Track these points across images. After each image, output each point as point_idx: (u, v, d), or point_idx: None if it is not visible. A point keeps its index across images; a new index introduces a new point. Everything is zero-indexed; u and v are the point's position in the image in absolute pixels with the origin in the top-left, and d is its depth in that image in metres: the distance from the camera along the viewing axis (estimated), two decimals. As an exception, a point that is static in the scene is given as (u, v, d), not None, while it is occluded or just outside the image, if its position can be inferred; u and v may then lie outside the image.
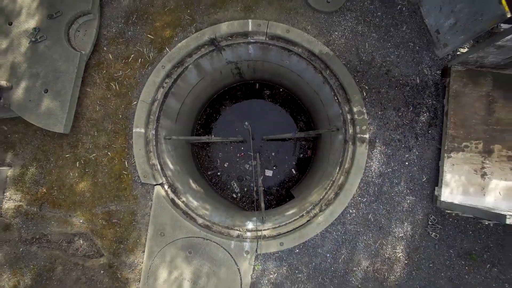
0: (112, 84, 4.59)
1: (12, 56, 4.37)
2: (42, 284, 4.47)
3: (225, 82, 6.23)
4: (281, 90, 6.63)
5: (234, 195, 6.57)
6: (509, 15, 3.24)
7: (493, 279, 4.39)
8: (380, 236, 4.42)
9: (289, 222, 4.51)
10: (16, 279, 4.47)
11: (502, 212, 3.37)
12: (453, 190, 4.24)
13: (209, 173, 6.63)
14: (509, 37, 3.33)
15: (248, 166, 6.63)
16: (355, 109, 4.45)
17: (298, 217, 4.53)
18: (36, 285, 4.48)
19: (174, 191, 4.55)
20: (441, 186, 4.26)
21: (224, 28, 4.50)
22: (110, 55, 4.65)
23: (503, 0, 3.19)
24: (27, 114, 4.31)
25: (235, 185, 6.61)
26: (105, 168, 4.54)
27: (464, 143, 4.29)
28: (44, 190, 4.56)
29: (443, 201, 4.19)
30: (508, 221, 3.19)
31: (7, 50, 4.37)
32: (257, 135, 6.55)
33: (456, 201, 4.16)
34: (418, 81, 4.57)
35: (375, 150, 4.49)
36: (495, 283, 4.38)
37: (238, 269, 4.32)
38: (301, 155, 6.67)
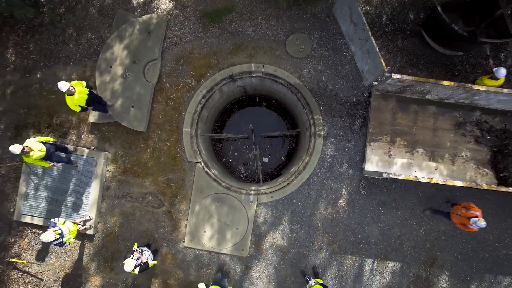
0: (169, 101, 7.82)
1: (112, 86, 7.60)
2: (128, 222, 7.68)
3: (235, 96, 9.44)
4: (273, 102, 9.85)
5: (241, 175, 9.77)
6: (387, 70, 6.42)
7: (397, 218, 7.61)
8: (331, 192, 7.65)
9: (277, 185, 7.74)
10: (114, 219, 7.68)
11: (383, 172, 6.63)
12: (372, 164, 7.47)
13: (223, 160, 9.84)
14: (388, 81, 6.57)
15: (251, 155, 9.83)
16: (315, 117, 7.69)
17: (282, 182, 7.76)
18: (124, 223, 7.68)
19: (207, 166, 7.79)
20: (365, 162, 7.48)
21: (237, 68, 7.74)
22: (167, 84, 7.88)
23: (381, 60, 6.38)
24: (122, 120, 7.53)
25: (242, 168, 9.82)
26: (165, 153, 7.76)
27: (379, 137, 7.53)
28: (129, 166, 7.78)
29: (365, 171, 7.42)
30: (384, 176, 6.43)
31: (109, 83, 7.60)
32: (257, 133, 9.74)
33: (371, 170, 7.39)
34: (354, 100, 7.81)
35: (327, 141, 7.73)
36: (398, 219, 7.61)
37: (246, 212, 7.54)
38: (288, 147, 9.89)
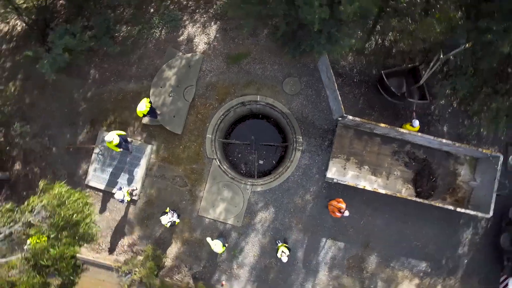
0: (198, 115, 11.66)
1: (161, 101, 11.45)
2: (161, 194, 11.50)
3: (243, 113, 13.25)
4: (272, 119, 13.65)
5: (242, 171, 13.57)
6: (344, 114, 10.21)
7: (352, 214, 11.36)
8: (302, 189, 11.43)
9: (267, 180, 11.53)
10: (152, 191, 11.50)
11: (334, 178, 10.45)
12: (332, 173, 11.24)
13: (230, 158, 13.64)
14: (346, 119, 10.35)
15: (250, 157, 13.62)
16: (297, 136, 11.51)
17: (270, 178, 11.57)
18: (159, 194, 11.49)
19: (220, 162, 11.62)
20: (328, 171, 11.25)
21: (248, 98, 11.59)
22: (198, 103, 11.72)
23: (342, 106, 10.15)
24: (166, 124, 11.38)
25: (243, 166, 13.61)
26: (192, 150, 11.59)
27: (339, 155, 11.31)
28: (166, 156, 11.63)
29: (327, 177, 11.19)
30: (335, 181, 10.23)
31: (159, 98, 11.45)
32: (256, 141, 13.49)
33: (330, 176, 11.17)
34: (325, 127, 11.61)
35: (304, 154, 11.53)
36: (356, 215, 11.36)
37: (243, 196, 11.36)
38: (279, 154, 13.69)
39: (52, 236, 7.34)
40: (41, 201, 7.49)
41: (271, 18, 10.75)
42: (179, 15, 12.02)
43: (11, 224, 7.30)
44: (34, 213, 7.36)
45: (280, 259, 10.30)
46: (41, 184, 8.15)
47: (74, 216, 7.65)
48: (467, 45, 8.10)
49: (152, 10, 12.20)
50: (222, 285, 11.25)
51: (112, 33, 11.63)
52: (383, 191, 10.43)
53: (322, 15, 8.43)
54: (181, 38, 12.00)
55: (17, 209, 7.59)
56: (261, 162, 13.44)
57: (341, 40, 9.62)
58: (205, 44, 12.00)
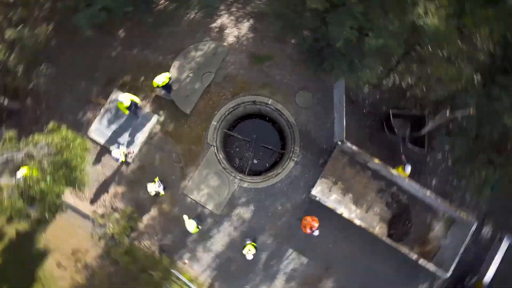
0: (210, 101, 12.18)
1: (178, 79, 11.98)
2: (155, 164, 12.05)
3: (252, 112, 13.72)
4: (276, 125, 14.10)
5: (235, 164, 14.07)
6: (344, 139, 10.65)
7: (321, 231, 11.80)
8: (285, 197, 11.90)
9: (255, 180, 12.03)
10: (147, 159, 12.06)
11: (317, 196, 10.91)
12: (317, 191, 11.67)
13: (227, 149, 14.15)
14: (344, 145, 10.78)
15: (247, 154, 14.11)
16: (296, 148, 11.98)
17: (259, 179, 12.06)
18: (152, 163, 12.04)
19: (217, 150, 12.15)
20: (314, 188, 11.68)
21: (260, 98, 12.08)
22: (213, 90, 12.23)
23: (344, 132, 10.57)
24: (178, 101, 11.92)
25: (237, 160, 14.11)
26: (195, 132, 12.12)
27: (329, 177, 11.74)
28: (169, 130, 12.17)
29: (311, 193, 11.63)
30: (317, 199, 10.68)
31: (178, 75, 11.98)
32: (256, 141, 13.95)
33: (314, 194, 11.61)
34: (324, 147, 12.05)
35: (296, 166, 12.00)
36: (321, 231, 11.80)
37: (229, 187, 11.88)
38: (274, 159, 14.15)
39: (48, 172, 7.93)
40: (48, 139, 8.08)
41: (301, 29, 11.18)
42: (217, 3, 12.49)
43: (13, 150, 7.90)
44: (38, 147, 7.94)
45: (245, 255, 10.81)
46: (51, 124, 8.75)
47: (74, 161, 8.24)
48: (472, 110, 8.47)
49: (194, -9, 12.70)
50: (184, 262, 11.80)
51: (150, 4, 12.15)
52: (358, 223, 10.86)
53: (350, 36, 8.84)
54: (213, 25, 12.49)
55: (23, 140, 8.19)
56: (255, 161, 13.93)
57: (361, 71, 10.06)
58: (234, 38, 12.47)
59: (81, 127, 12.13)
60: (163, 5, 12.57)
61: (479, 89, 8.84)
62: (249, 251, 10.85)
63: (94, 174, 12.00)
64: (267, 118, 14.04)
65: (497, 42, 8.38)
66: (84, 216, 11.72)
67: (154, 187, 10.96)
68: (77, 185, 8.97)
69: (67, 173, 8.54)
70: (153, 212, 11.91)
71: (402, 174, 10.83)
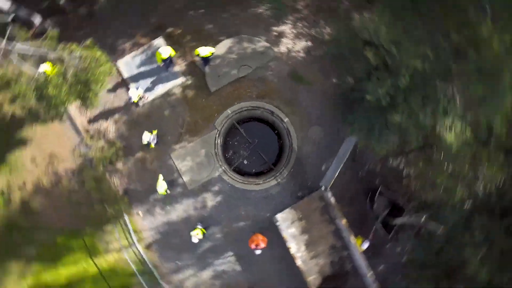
0: (236, 91, 12.67)
1: (218, 58, 12.44)
2: (160, 118, 12.62)
3: (266, 119, 14.19)
4: (281, 142, 14.58)
5: (227, 155, 14.62)
6: (328, 187, 11.13)
7: (267, 252, 12.41)
8: (253, 208, 12.47)
9: (236, 178, 12.62)
10: (156, 111, 12.64)
11: (278, 222, 11.48)
12: (281, 218, 12.24)
13: (228, 139, 14.66)
14: (328, 194, 11.28)
15: (241, 152, 14.62)
16: (284, 170, 12.51)
17: (239, 179, 12.65)
18: (159, 116, 12.62)
19: (218, 135, 12.71)
20: (279, 214, 12.24)
21: (279, 112, 12.56)
22: (244, 82, 12.71)
23: (333, 180, 11.06)
24: (208, 76, 12.43)
25: (231, 152, 14.65)
26: (208, 111, 12.64)
27: (297, 211, 12.29)
28: (188, 97, 12.70)
29: (275, 217, 12.20)
30: (276, 224, 11.24)
31: (219, 56, 12.44)
32: (256, 146, 14.44)
33: (277, 218, 12.18)
34: (309, 184, 12.53)
35: (277, 186, 12.55)
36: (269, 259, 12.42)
37: (211, 172, 12.47)
38: (262, 169, 14.66)
39: (68, 82, 8.55)
40: (82, 53, 8.67)
41: (347, 74, 11.49)
42: (286, 11, 12.81)
43: (50, 48, 8.49)
44: (71, 56, 8.53)
45: (191, 236, 11.49)
46: (89, 41, 9.31)
47: (94, 83, 8.85)
48: (443, 229, 8.93)
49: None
50: (138, 213, 12.49)
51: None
52: (299, 263, 11.48)
53: (382, 98, 9.25)
54: (275, 28, 12.87)
55: (62, 44, 8.77)
56: (246, 162, 14.47)
57: (376, 140, 10.50)
58: (286, 49, 12.86)
59: (114, 53, 12.66)
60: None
61: (463, 216, 9.29)
62: (197, 235, 11.52)
63: (104, 99, 12.52)
64: (276, 131, 14.55)
65: (497, 184, 8.76)
66: (77, 130, 12.38)
67: (148, 137, 11.59)
68: (86, 104, 9.58)
69: (83, 90, 9.14)
70: (136, 157, 12.55)
71: (358, 246, 11.36)
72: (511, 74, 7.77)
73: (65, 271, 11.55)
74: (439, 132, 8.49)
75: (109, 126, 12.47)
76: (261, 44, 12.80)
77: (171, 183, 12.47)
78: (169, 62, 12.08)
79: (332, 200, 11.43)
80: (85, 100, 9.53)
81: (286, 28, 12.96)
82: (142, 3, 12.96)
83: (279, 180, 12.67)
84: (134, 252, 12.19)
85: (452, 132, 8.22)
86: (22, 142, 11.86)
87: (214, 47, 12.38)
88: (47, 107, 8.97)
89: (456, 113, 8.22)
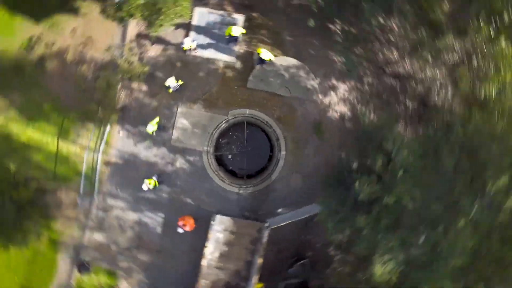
0: (263, 101, 13.29)
1: (271, 73, 13.04)
2: (194, 75, 13.26)
3: (269, 135, 14.90)
4: (270, 154, 15.26)
5: (220, 140, 15.38)
6: (270, 227, 11.99)
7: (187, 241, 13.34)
8: (209, 196, 13.30)
9: (218, 171, 13.42)
10: (195, 67, 13.26)
11: (214, 220, 12.39)
12: (217, 221, 13.12)
13: (230, 130, 15.36)
14: (265, 234, 12.15)
15: (233, 146, 15.31)
16: (254, 187, 13.30)
17: (213, 167, 13.45)
18: (194, 73, 13.26)
19: (227, 123, 13.46)
20: (219, 216, 13.11)
21: (283, 142, 13.25)
22: (274, 101, 13.32)
23: (276, 226, 11.89)
24: (253, 73, 13.04)
25: (223, 141, 15.39)
26: (234, 99, 13.27)
27: (232, 227, 13.16)
28: (226, 75, 13.30)
29: (214, 215, 13.07)
30: (211, 222, 12.16)
31: (272, 72, 13.02)
32: (248, 152, 15.15)
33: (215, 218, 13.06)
34: (263, 211, 13.38)
35: (238, 195, 13.35)
36: (187, 242, 13.36)
37: (197, 145, 13.23)
38: (237, 172, 15.46)
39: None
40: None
41: (355, 158, 11.97)
42: (352, 75, 13.15)
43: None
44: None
45: (143, 182, 12.38)
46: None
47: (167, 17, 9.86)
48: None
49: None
50: (119, 131, 13.25)
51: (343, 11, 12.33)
52: (203, 263, 12.44)
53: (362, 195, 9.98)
54: (333, 79, 13.32)
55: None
56: (229, 156, 15.20)
57: (332, 224, 11.28)
58: (328, 104, 13.25)
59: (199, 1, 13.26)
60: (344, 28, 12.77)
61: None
62: (149, 184, 12.40)
63: (164, 31, 12.95)
64: (271, 154, 15.20)
65: None
66: (124, 36, 13.06)
67: (172, 83, 12.32)
68: (148, 27, 10.21)
69: (152, 15, 9.82)
70: (151, 89, 13.27)
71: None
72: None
73: (30, 133, 12.36)
74: (374, 260, 9.28)
75: (149, 51, 13.11)
76: (313, 82, 13.37)
77: (161, 128, 13.20)
78: (235, 39, 12.69)
79: (265, 239, 12.27)
80: (149, 23, 10.17)
81: (342, 86, 13.48)
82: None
83: (241, 191, 13.48)
84: (93, 158, 13.04)
85: (383, 268, 9.03)
86: (76, 11, 12.47)
87: (275, 55, 12.93)
88: (118, 9, 9.63)
89: (397, 260, 9.01)
